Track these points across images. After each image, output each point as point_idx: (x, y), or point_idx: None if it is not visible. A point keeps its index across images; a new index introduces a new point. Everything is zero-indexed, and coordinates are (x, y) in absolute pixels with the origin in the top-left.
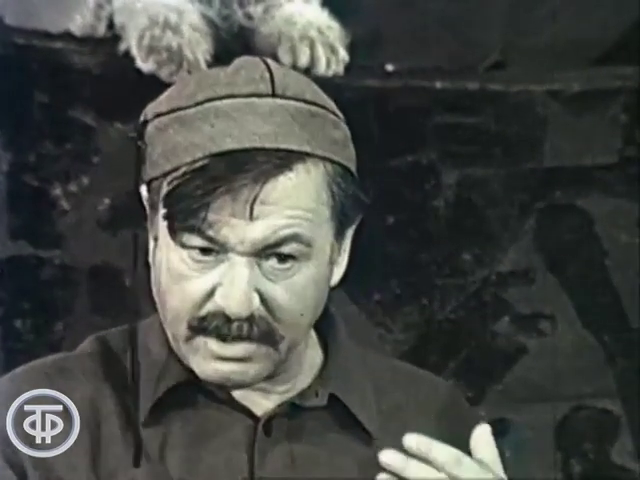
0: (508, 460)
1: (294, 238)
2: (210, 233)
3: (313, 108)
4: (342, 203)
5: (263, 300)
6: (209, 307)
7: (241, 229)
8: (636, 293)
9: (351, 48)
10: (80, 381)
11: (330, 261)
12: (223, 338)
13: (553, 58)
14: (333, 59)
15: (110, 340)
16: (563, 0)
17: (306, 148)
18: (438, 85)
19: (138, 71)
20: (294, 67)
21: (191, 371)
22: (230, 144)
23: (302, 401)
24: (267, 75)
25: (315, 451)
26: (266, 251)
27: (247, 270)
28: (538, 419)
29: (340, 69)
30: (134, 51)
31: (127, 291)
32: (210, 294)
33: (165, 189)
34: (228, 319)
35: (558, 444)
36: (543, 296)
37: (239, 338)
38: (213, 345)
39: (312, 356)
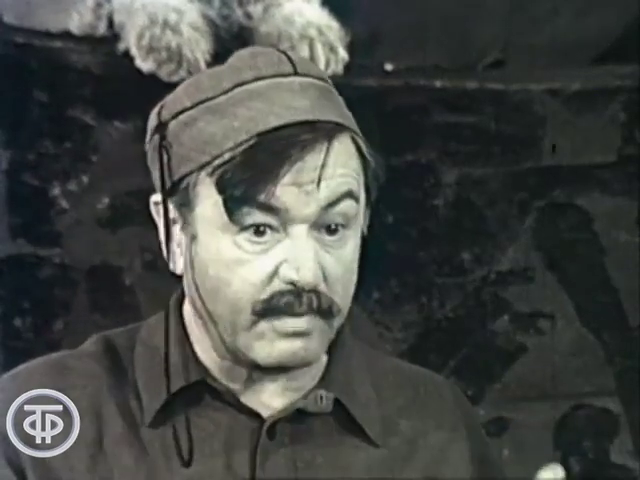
0: (507, 459)
1: (349, 194)
2: (273, 203)
3: (329, 86)
4: (369, 169)
5: (322, 272)
6: (274, 287)
7: (305, 194)
8: (635, 292)
9: (350, 47)
10: (83, 380)
11: (361, 231)
12: (291, 314)
13: (552, 57)
14: (332, 58)
15: (114, 340)
16: None
17: (340, 120)
18: (437, 84)
19: (137, 70)
20: None
21: (203, 370)
22: (274, 121)
23: (307, 405)
24: (284, 57)
25: (318, 456)
26: (325, 214)
27: (310, 241)
28: (537, 418)
29: (339, 68)
30: (133, 50)
31: (126, 290)
32: (273, 274)
33: (212, 178)
34: (298, 293)
35: (557, 443)
36: (542, 295)
37: (306, 312)
38: (280, 324)
39: None
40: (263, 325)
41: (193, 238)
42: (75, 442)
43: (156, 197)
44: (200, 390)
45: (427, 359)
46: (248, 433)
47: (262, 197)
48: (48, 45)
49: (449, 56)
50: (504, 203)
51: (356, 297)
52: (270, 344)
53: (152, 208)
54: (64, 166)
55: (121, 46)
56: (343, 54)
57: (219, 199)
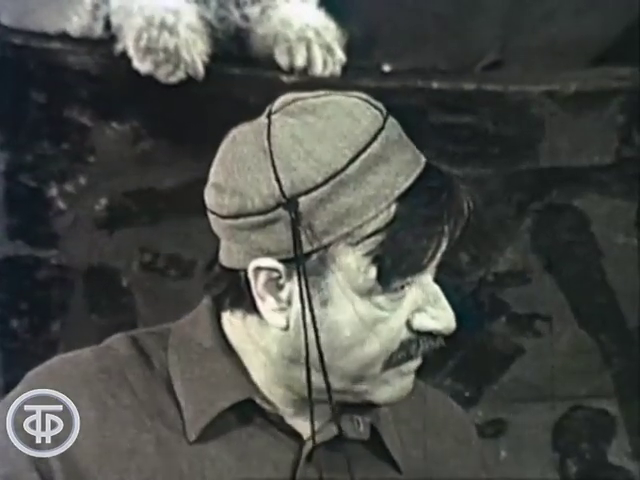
0: (505, 460)
1: None
2: (425, 262)
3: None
4: None
5: None
6: (402, 336)
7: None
8: (633, 293)
9: (348, 48)
10: (119, 386)
11: None
12: (412, 356)
13: (550, 58)
14: (330, 60)
15: (142, 340)
16: (561, 0)
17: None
18: (435, 85)
19: (135, 72)
20: (291, 68)
21: (253, 388)
22: (404, 182)
23: (346, 431)
24: (369, 107)
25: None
26: None
27: (435, 285)
28: (535, 419)
29: (337, 69)
30: (131, 52)
31: (124, 291)
32: (406, 324)
33: (354, 248)
34: (434, 338)
35: (555, 444)
36: (540, 296)
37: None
38: (406, 366)
39: None
40: (390, 372)
41: (324, 302)
42: (107, 447)
43: (259, 263)
44: (247, 408)
45: (425, 360)
46: (289, 453)
47: (422, 269)
48: (45, 46)
49: (447, 57)
50: (502, 204)
51: None
52: (392, 388)
53: (250, 271)
54: (61, 167)
55: (118, 47)
56: (340, 55)
57: (369, 269)
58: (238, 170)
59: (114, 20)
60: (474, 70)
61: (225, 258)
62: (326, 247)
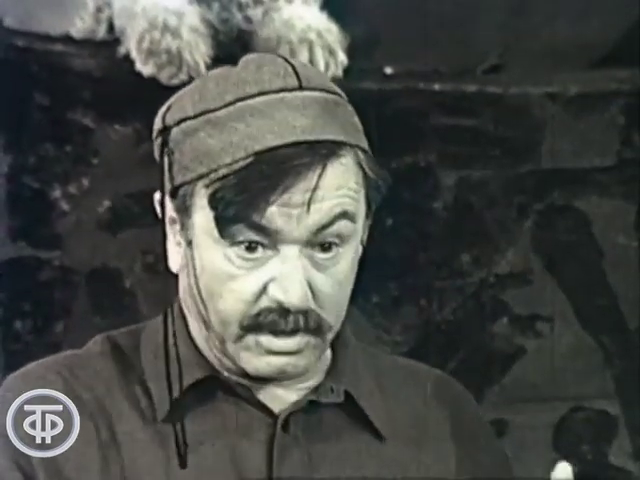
0: None
1: (344, 215)
2: (264, 224)
3: (335, 97)
4: (371, 183)
5: (312, 291)
6: (262, 303)
7: (295, 217)
8: (634, 294)
9: (350, 50)
10: (91, 381)
11: (361, 242)
12: (277, 333)
13: (551, 60)
14: (332, 62)
15: (118, 340)
16: (562, 2)
17: (342, 138)
18: (436, 87)
19: (137, 74)
20: None
21: (212, 367)
22: (273, 141)
23: (319, 397)
24: (290, 69)
25: (331, 449)
26: (317, 236)
27: (300, 262)
28: (536, 420)
29: (339, 72)
30: (134, 54)
31: (127, 292)
32: (262, 291)
33: (207, 190)
34: (285, 313)
35: (556, 445)
36: (541, 297)
37: (293, 331)
38: (266, 341)
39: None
40: (249, 339)
41: (190, 243)
42: (87, 443)
43: (159, 195)
44: (212, 386)
45: (426, 361)
46: (262, 427)
47: (253, 217)
48: (49, 48)
49: (448, 60)
50: (503, 206)
51: (355, 300)
52: (257, 358)
53: (155, 204)
54: (65, 169)
55: (121, 50)
56: (342, 57)
57: (212, 214)
58: None
59: (117, 22)
60: (475, 72)
61: None
62: (187, 185)
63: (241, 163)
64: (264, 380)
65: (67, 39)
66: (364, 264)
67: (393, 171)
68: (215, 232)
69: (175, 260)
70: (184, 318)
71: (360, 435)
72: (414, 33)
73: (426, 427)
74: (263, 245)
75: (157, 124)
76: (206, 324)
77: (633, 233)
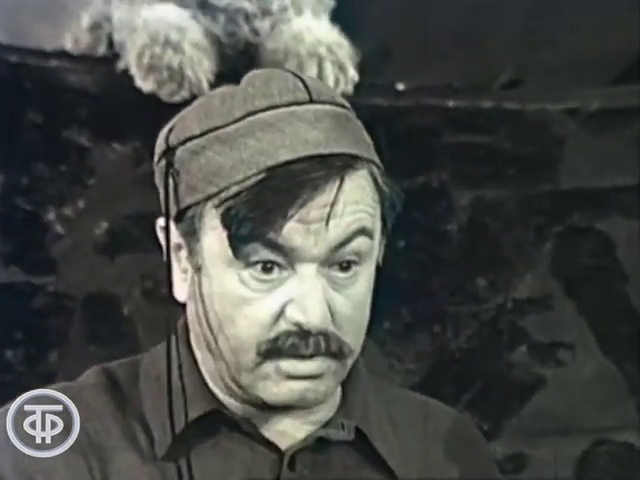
0: None
1: (362, 231)
2: (281, 242)
3: (346, 112)
4: (386, 199)
5: (331, 313)
6: (280, 327)
7: (313, 233)
8: None
9: (361, 66)
10: (86, 414)
11: (377, 261)
12: (298, 356)
13: (571, 75)
14: (342, 78)
15: (115, 372)
16: (582, 15)
17: (356, 151)
18: (450, 104)
19: (136, 90)
20: None
21: (217, 400)
22: (285, 155)
23: (328, 434)
24: (300, 83)
25: None
26: (335, 254)
27: (319, 281)
28: (557, 454)
29: (349, 88)
30: (133, 70)
31: (125, 320)
32: (280, 314)
33: (218, 210)
34: (305, 335)
35: None
36: (562, 324)
37: (314, 354)
38: (287, 365)
39: None
40: (267, 366)
41: (198, 269)
42: (80, 475)
43: (162, 221)
44: (216, 421)
45: (440, 392)
46: (268, 465)
47: (269, 235)
48: (43, 64)
49: (463, 75)
50: (520, 228)
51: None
52: (276, 385)
53: (158, 231)
54: (59, 190)
55: (120, 65)
56: (353, 73)
57: (224, 234)
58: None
59: (116, 37)
60: (491, 88)
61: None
62: (195, 206)
63: (253, 179)
64: (275, 410)
65: (62, 54)
66: (375, 289)
67: (405, 191)
68: (228, 253)
69: (181, 289)
70: (189, 347)
71: (372, 475)
72: (427, 47)
73: (438, 468)
74: (279, 265)
75: (160, 146)
76: (214, 354)
77: None
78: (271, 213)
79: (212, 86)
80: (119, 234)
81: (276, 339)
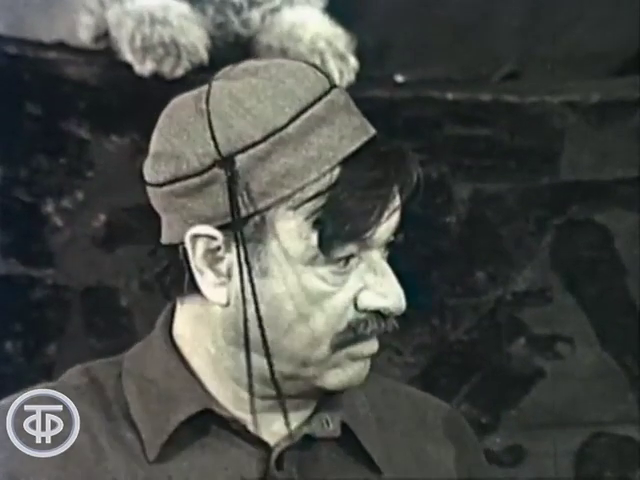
0: None
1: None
2: (373, 239)
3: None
4: None
5: None
6: (349, 316)
7: (388, 223)
8: None
9: (359, 58)
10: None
11: None
12: (365, 339)
13: (571, 68)
14: (345, 69)
15: (96, 372)
16: (581, 8)
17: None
18: (450, 96)
19: (135, 82)
20: None
21: (207, 399)
22: (349, 146)
23: (314, 431)
24: (318, 71)
25: None
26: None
27: (385, 263)
28: (556, 447)
29: (352, 77)
30: (129, 57)
31: (123, 312)
32: (351, 303)
33: (295, 212)
34: (384, 319)
35: (577, 473)
36: (561, 316)
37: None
38: (356, 350)
39: None
40: (339, 355)
41: (264, 273)
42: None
43: (196, 230)
44: (205, 420)
45: (439, 384)
46: (255, 462)
47: (365, 235)
48: (42, 56)
49: (462, 67)
50: (520, 220)
51: None
52: (343, 371)
53: (188, 241)
54: (58, 182)
55: (117, 58)
56: (354, 62)
57: (310, 234)
58: (175, 134)
59: (112, 34)
60: (491, 80)
61: (165, 233)
62: (265, 211)
63: (328, 177)
64: (268, 405)
65: (61, 46)
66: None
67: None
68: (310, 253)
69: (219, 293)
70: (175, 346)
71: (358, 469)
72: (426, 40)
73: (427, 462)
74: (354, 255)
75: (205, 157)
76: (270, 354)
77: None
78: (367, 214)
79: (210, 53)
80: (117, 226)
81: (348, 328)
